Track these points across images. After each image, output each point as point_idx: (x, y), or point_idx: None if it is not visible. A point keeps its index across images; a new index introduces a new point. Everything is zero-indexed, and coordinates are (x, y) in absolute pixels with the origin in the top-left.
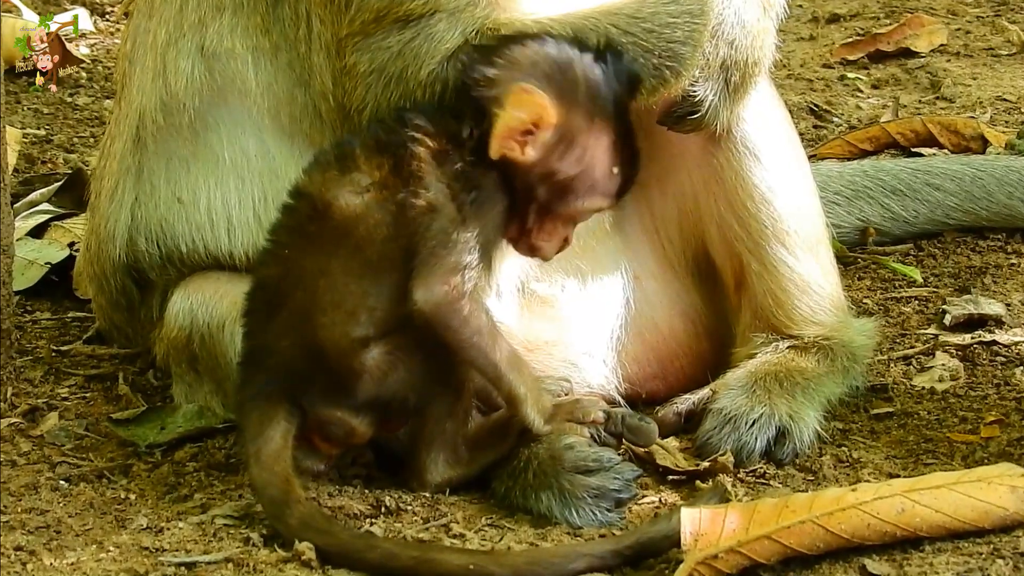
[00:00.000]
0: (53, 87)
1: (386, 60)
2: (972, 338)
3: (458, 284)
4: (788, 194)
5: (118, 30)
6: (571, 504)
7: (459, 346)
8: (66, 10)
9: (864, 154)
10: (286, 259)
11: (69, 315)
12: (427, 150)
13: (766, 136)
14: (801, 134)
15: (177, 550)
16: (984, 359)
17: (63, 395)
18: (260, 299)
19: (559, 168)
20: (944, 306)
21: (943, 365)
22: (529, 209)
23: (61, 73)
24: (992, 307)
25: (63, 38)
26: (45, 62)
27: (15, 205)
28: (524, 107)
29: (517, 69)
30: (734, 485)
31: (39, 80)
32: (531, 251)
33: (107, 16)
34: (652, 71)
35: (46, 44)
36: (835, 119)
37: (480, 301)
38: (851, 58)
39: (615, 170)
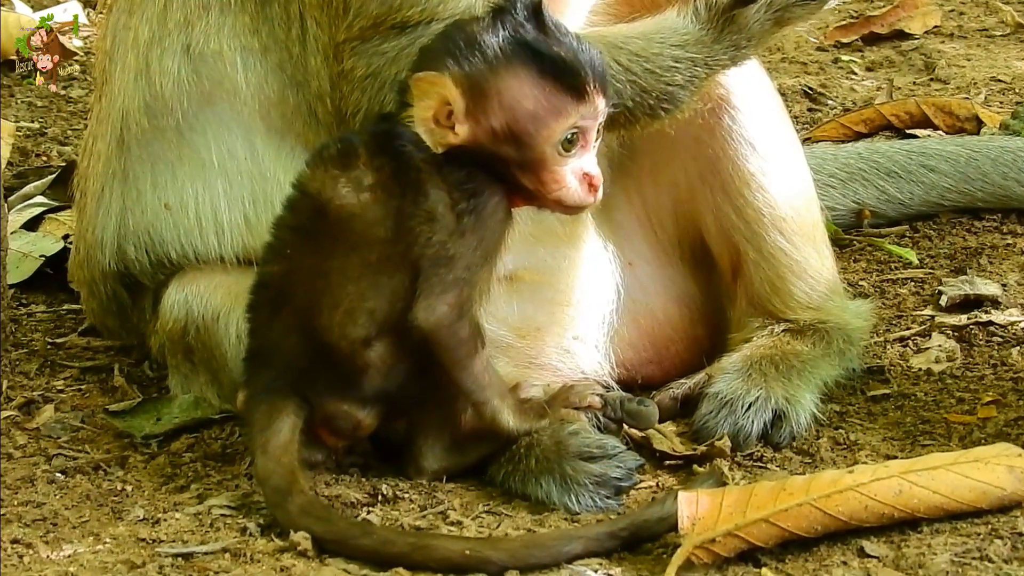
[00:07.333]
0: (53, 87)
1: (382, 65)
2: (968, 319)
3: (458, 303)
4: (784, 181)
5: None
6: (572, 490)
7: (450, 365)
8: (59, 3)
9: (859, 136)
10: (288, 257)
11: (64, 307)
12: (426, 156)
13: (761, 124)
14: (795, 117)
15: (174, 541)
16: (980, 340)
17: (59, 387)
18: (264, 296)
19: (495, 124)
20: (940, 287)
21: (939, 346)
22: (519, 174)
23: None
24: (988, 287)
25: (57, 32)
26: (45, 62)
27: (9, 198)
28: (424, 94)
29: (412, 67)
30: (731, 469)
31: (39, 80)
32: (559, 206)
33: (100, 8)
34: (647, 110)
35: (46, 43)
36: (829, 102)
37: (476, 321)
38: (845, 41)
39: (546, 88)
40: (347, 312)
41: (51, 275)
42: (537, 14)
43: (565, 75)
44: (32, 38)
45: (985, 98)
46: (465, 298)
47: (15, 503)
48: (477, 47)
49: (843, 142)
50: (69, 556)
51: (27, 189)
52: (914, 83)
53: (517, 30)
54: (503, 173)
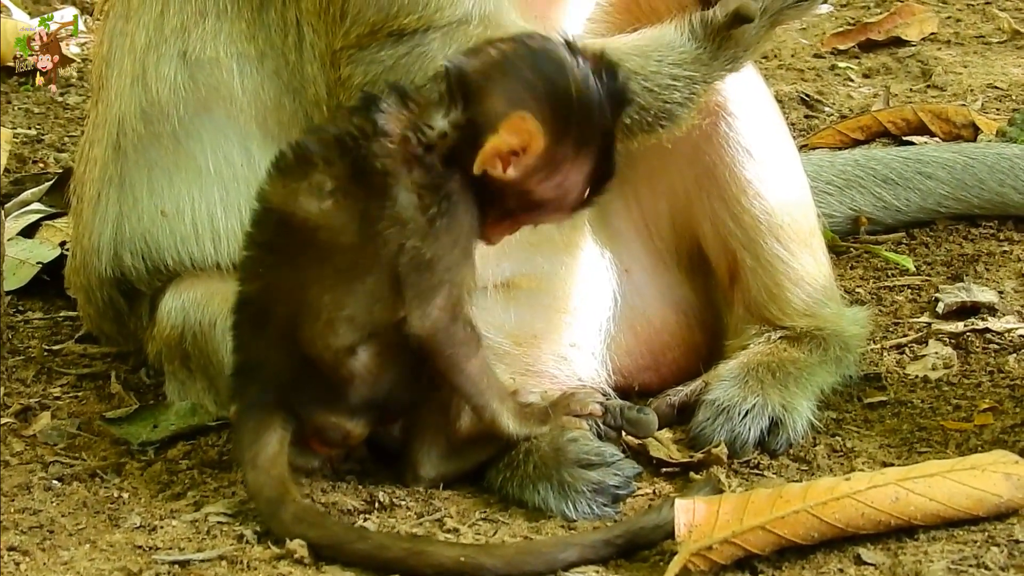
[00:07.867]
0: (53, 87)
1: (379, 73)
2: (965, 326)
3: (449, 304)
4: (781, 188)
5: None
6: (569, 497)
7: (448, 368)
8: (56, 9)
9: (855, 143)
10: (263, 275)
11: (61, 314)
12: (394, 154)
13: (758, 131)
14: (792, 124)
15: (171, 548)
16: (977, 347)
17: (55, 394)
18: (245, 315)
19: (537, 189)
20: (937, 294)
21: (936, 353)
22: (492, 209)
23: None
24: (985, 294)
25: (57, 38)
26: (45, 62)
27: (6, 205)
28: (517, 133)
29: (513, 92)
30: (728, 476)
31: (39, 80)
32: (489, 240)
33: (97, 15)
34: (644, 127)
35: (46, 44)
36: (826, 109)
37: (470, 321)
38: (842, 47)
39: (593, 188)
40: (327, 322)
41: (48, 282)
42: (621, 108)
43: (605, 180)
44: (31, 40)
45: (982, 105)
46: (455, 298)
47: (12, 510)
48: (581, 125)
49: (840, 149)
50: (66, 563)
51: (24, 196)
52: (911, 90)
53: (605, 121)
54: (487, 198)
